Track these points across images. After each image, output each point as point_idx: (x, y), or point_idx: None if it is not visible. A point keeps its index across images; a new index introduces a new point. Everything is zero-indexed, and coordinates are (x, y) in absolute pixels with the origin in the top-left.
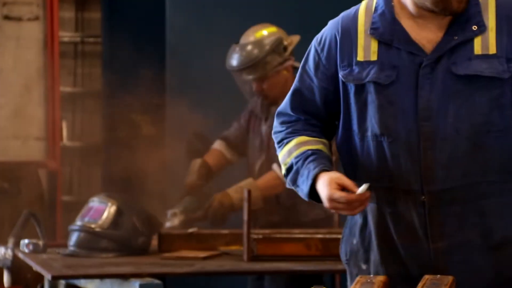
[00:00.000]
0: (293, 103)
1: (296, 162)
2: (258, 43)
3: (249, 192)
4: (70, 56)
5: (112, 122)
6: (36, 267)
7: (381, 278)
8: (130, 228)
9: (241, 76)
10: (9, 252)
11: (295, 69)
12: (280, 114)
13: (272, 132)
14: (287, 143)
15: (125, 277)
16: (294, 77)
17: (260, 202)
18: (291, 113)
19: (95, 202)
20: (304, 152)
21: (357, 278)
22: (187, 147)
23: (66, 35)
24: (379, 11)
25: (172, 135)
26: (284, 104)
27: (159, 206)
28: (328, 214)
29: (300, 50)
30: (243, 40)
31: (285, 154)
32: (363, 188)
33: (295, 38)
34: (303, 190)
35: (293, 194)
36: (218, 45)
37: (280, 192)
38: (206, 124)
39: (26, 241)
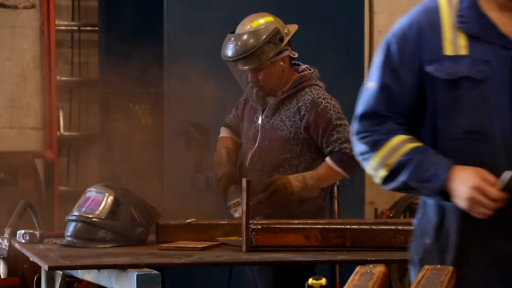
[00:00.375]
0: (381, 102)
1: (409, 159)
2: (254, 33)
3: (248, 182)
4: (67, 45)
5: (109, 112)
6: (33, 258)
7: (380, 268)
8: (128, 219)
9: (236, 66)
10: (5, 243)
11: (292, 59)
12: (364, 116)
13: (357, 138)
14: (385, 143)
15: (122, 267)
16: (291, 67)
17: (316, 192)
18: (380, 113)
19: (92, 192)
20: (414, 149)
21: (357, 269)
22: (185, 137)
23: (63, 23)
24: (465, 4)
25: (170, 125)
26: (368, 105)
27: (157, 196)
28: (318, 206)
29: (297, 40)
30: (239, 29)
31: (387, 154)
32: (505, 177)
33: (293, 28)
34: (430, 186)
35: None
36: (216, 34)
37: (335, 181)
38: (205, 113)
39: (23, 231)
